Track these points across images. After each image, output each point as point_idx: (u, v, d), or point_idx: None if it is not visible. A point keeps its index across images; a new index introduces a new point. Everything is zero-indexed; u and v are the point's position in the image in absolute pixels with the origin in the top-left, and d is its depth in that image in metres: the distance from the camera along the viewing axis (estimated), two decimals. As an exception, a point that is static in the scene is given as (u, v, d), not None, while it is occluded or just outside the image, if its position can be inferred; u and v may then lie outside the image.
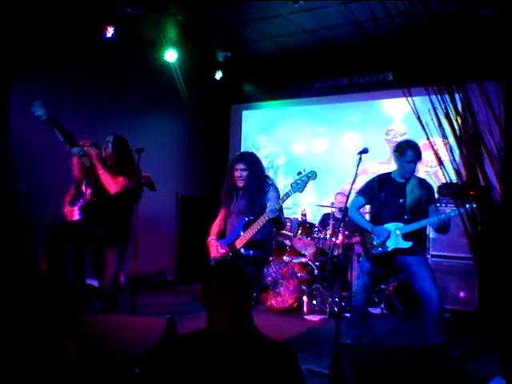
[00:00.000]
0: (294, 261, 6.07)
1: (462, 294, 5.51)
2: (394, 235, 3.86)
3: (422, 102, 1.86)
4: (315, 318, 5.61)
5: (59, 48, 6.01)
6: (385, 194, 3.96)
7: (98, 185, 4.10)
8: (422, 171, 5.90)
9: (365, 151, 3.79)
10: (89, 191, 4.19)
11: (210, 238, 3.94)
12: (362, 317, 4.13)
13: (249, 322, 3.66)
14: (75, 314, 3.05)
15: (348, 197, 3.88)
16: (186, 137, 8.38)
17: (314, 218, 6.97)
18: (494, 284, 1.82)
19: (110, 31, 6.38)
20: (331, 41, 6.98)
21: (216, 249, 3.84)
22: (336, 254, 5.97)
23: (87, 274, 4.47)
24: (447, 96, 1.77)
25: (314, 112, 8.09)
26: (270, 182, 3.90)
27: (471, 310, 5.39)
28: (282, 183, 7.62)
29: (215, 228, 4.00)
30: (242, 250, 3.70)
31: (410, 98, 1.92)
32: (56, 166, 5.50)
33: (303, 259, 6.22)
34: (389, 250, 3.88)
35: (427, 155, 3.99)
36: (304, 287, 5.89)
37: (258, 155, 4.02)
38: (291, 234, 6.59)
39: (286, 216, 4.43)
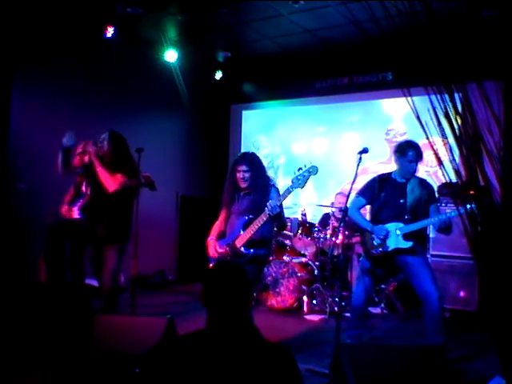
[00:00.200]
0: (294, 260, 6.07)
1: (462, 294, 5.51)
2: (395, 235, 3.86)
3: (421, 101, 1.86)
4: (315, 317, 5.61)
5: (59, 48, 6.01)
6: (385, 194, 3.96)
7: (96, 182, 4.09)
8: (422, 171, 5.87)
9: (365, 151, 3.79)
10: (89, 190, 4.19)
11: (209, 238, 3.94)
12: (362, 317, 4.13)
13: (249, 322, 3.66)
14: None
15: (348, 197, 3.88)
16: (186, 137, 8.38)
17: (314, 217, 6.97)
18: (494, 284, 1.82)
19: (109, 31, 6.37)
20: (331, 41, 6.98)
21: (214, 248, 3.85)
22: (336, 253, 5.97)
23: (86, 274, 4.47)
24: (447, 96, 1.77)
25: (314, 112, 8.09)
26: (272, 183, 3.91)
27: (471, 309, 5.38)
28: (283, 183, 7.62)
29: (216, 229, 4.00)
30: (242, 249, 3.70)
31: (409, 98, 1.92)
32: (56, 166, 5.51)
33: (303, 259, 6.22)
34: (389, 249, 3.88)
35: (427, 155, 3.98)
36: (304, 287, 5.89)
37: (258, 155, 4.02)
38: (291, 234, 6.59)
39: (286, 216, 4.43)
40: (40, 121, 5.98)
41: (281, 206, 3.59)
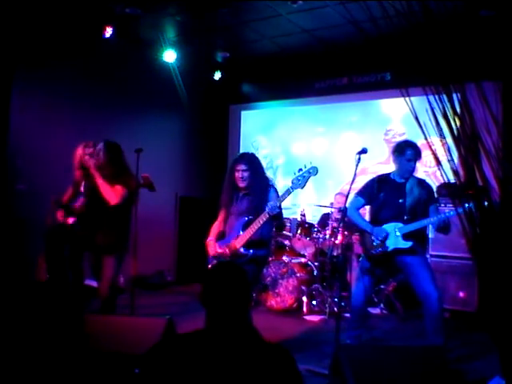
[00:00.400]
0: (293, 261, 6.07)
1: (461, 294, 5.51)
2: (394, 235, 3.86)
3: (419, 101, 1.86)
4: (315, 318, 5.61)
5: (59, 48, 6.01)
6: (384, 194, 3.97)
7: (95, 192, 4.08)
8: (420, 171, 5.90)
9: (364, 151, 3.79)
10: (88, 191, 4.18)
11: (208, 239, 3.94)
12: (361, 317, 4.13)
13: (248, 323, 3.66)
14: (78, 314, 3.05)
15: (347, 197, 3.88)
16: (184, 137, 8.37)
17: (313, 218, 6.97)
18: (494, 284, 1.82)
19: (108, 31, 6.37)
20: (330, 41, 6.98)
21: (214, 248, 3.85)
22: (335, 254, 5.97)
23: (86, 275, 4.46)
24: (445, 96, 1.77)
25: (313, 112, 8.09)
26: (270, 183, 3.92)
27: (471, 310, 5.38)
28: (282, 183, 7.61)
29: (215, 229, 4.01)
30: (242, 250, 3.70)
31: (407, 98, 1.92)
32: (56, 166, 5.51)
33: (302, 259, 6.21)
34: (389, 250, 3.88)
35: (426, 155, 4.00)
36: (303, 287, 5.88)
37: (257, 156, 4.03)
38: (290, 235, 6.59)
39: (285, 216, 4.43)
40: (40, 121, 5.98)
41: (280, 207, 3.59)
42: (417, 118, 1.88)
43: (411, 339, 4.72)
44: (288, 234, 6.63)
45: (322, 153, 7.87)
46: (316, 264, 6.12)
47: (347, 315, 4.75)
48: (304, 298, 5.87)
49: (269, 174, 4.63)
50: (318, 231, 6.20)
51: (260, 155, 4.84)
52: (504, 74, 2.12)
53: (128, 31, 6.61)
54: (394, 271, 4.46)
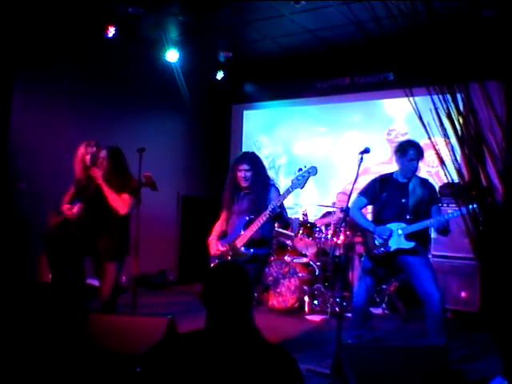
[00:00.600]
0: (295, 261, 6.07)
1: (463, 295, 5.51)
2: (397, 235, 3.86)
3: (423, 101, 1.86)
4: (316, 318, 5.60)
5: (60, 48, 6.01)
6: (387, 194, 3.96)
7: (93, 198, 4.07)
8: (423, 171, 5.89)
9: (366, 151, 3.78)
10: (86, 197, 4.17)
11: (210, 238, 3.95)
12: (363, 317, 4.12)
13: (249, 323, 3.66)
14: (81, 314, 3.05)
15: (349, 197, 3.87)
16: (187, 137, 8.38)
17: (315, 217, 6.97)
18: (496, 284, 1.82)
19: (111, 31, 6.38)
20: (332, 41, 6.98)
21: (216, 246, 3.86)
22: (337, 253, 5.96)
23: (88, 274, 4.46)
24: (449, 96, 1.77)
25: (316, 112, 8.09)
26: (272, 183, 3.92)
27: (473, 310, 5.38)
28: (283, 183, 7.61)
29: (217, 228, 4.02)
30: (243, 249, 3.71)
31: (411, 98, 1.92)
32: (56, 166, 5.51)
33: (304, 259, 6.21)
34: (391, 250, 3.87)
35: (429, 155, 3.98)
36: (305, 287, 5.88)
37: (259, 155, 4.04)
38: (292, 234, 6.59)
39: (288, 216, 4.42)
40: (41, 121, 5.99)
41: (281, 206, 3.60)
42: (420, 118, 1.87)
43: (413, 339, 4.71)
44: (290, 233, 6.64)
45: (325, 153, 7.87)
46: (318, 264, 6.12)
47: (349, 315, 4.75)
48: (306, 298, 5.87)
49: (271, 173, 4.64)
50: (320, 231, 6.20)
51: (262, 155, 4.85)
52: (508, 74, 2.12)
53: (130, 31, 6.61)
54: (395, 271, 4.45)
